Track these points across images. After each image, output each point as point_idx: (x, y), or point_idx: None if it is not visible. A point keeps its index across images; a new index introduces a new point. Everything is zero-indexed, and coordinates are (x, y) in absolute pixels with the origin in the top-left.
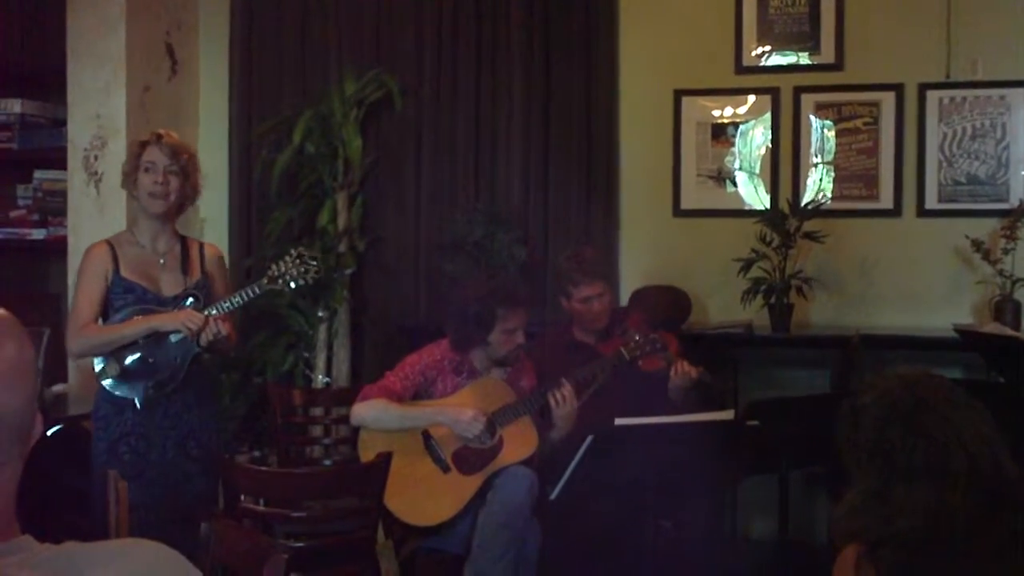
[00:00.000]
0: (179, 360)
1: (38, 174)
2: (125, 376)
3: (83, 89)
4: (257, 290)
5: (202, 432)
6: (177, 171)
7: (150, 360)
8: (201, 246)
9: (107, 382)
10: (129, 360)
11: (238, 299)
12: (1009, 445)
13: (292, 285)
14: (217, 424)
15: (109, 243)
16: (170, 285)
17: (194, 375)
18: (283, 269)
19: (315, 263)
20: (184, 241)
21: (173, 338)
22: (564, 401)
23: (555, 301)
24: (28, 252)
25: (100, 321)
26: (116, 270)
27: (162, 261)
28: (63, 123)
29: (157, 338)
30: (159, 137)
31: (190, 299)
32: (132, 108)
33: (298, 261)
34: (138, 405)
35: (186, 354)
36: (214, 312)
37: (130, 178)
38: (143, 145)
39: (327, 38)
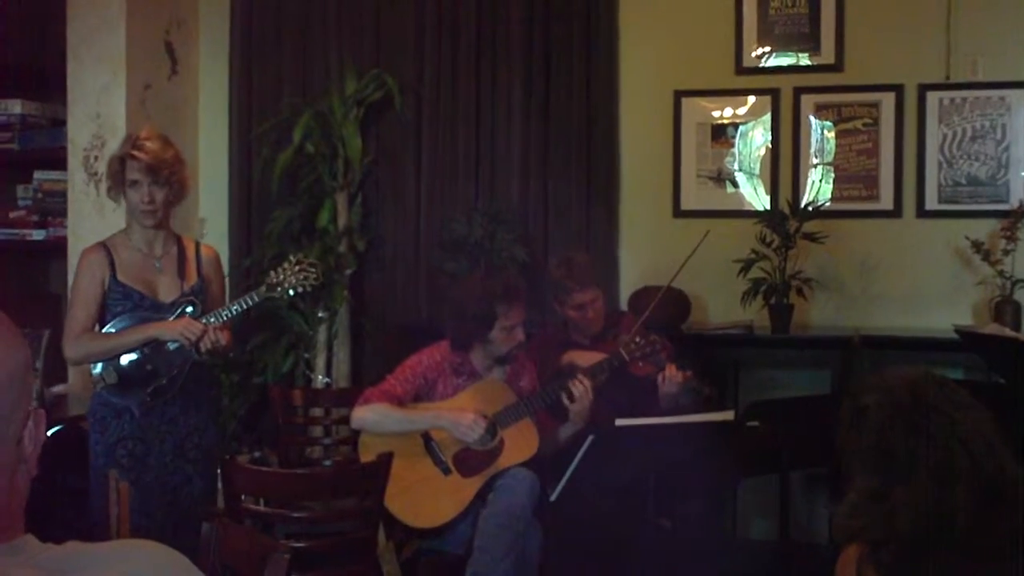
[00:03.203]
0: (177, 367)
1: (38, 174)
2: (123, 383)
3: (83, 89)
4: (256, 298)
5: (200, 434)
6: (161, 183)
7: (148, 367)
8: (198, 246)
9: (104, 390)
10: (127, 367)
11: (236, 307)
12: (1010, 445)
13: (291, 293)
14: (216, 425)
15: (105, 246)
16: (167, 290)
17: (192, 379)
18: (282, 276)
19: (314, 270)
20: (180, 242)
21: (171, 345)
22: (583, 395)
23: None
24: (28, 253)
25: (97, 327)
26: (113, 275)
27: (158, 265)
28: (63, 123)
29: (156, 345)
30: (134, 156)
31: (189, 307)
32: (132, 107)
33: (297, 268)
34: (135, 413)
35: (184, 361)
36: (212, 321)
37: (115, 190)
38: (121, 161)
39: (327, 37)
